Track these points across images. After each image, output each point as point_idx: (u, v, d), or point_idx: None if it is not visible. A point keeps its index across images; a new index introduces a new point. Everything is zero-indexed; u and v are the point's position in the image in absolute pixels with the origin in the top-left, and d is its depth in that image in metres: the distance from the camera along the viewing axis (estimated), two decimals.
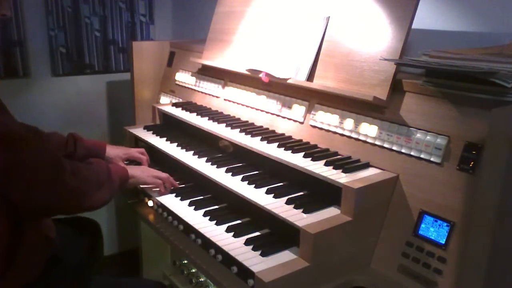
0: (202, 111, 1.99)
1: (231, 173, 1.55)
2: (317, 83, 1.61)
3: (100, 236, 1.77)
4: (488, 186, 1.01)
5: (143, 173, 1.64)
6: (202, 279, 2.09)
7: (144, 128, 2.08)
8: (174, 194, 1.64)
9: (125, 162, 1.85)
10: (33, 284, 1.32)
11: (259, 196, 1.39)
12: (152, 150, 1.91)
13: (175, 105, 2.12)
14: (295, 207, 1.32)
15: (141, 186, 1.69)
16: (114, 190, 1.48)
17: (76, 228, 1.69)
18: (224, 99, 2.05)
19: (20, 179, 1.20)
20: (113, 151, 1.84)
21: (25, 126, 1.63)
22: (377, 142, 1.41)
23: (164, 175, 1.67)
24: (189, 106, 2.08)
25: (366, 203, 1.28)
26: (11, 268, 1.26)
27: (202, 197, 1.61)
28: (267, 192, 1.41)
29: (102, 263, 1.82)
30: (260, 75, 1.76)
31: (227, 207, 1.55)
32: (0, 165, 1.16)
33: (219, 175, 1.55)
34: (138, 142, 2.08)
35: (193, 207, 1.54)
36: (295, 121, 1.70)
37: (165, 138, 1.92)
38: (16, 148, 1.19)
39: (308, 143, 1.60)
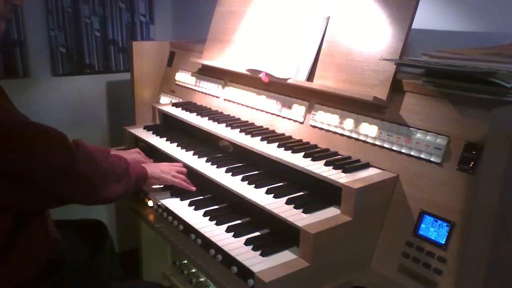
0: (202, 111, 1.99)
1: (231, 173, 1.55)
2: (317, 83, 1.61)
3: (106, 237, 1.77)
4: (488, 186, 1.01)
5: (161, 173, 1.61)
6: (202, 279, 2.09)
7: (144, 128, 2.08)
8: (174, 195, 1.64)
9: None
10: (31, 284, 1.32)
11: (259, 196, 1.39)
12: (152, 150, 1.91)
13: (175, 105, 2.12)
14: (295, 207, 1.32)
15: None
16: (130, 186, 1.47)
17: (82, 230, 1.69)
18: (224, 99, 2.05)
19: (32, 169, 1.19)
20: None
21: None
22: (377, 142, 1.41)
23: (182, 171, 1.66)
24: (189, 106, 2.08)
25: (366, 203, 1.28)
26: (6, 265, 1.25)
27: (202, 197, 1.61)
28: (267, 192, 1.41)
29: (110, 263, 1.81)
30: (260, 75, 1.76)
31: (227, 207, 1.55)
32: (13, 157, 1.15)
33: (219, 175, 1.55)
34: (138, 142, 2.08)
35: (193, 207, 1.54)
36: (295, 121, 1.70)
37: (165, 138, 1.92)
38: (26, 139, 1.18)
39: (308, 143, 1.60)
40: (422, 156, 1.30)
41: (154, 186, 1.67)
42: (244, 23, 1.97)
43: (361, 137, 1.46)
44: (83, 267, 1.57)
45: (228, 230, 1.39)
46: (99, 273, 1.63)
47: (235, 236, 1.36)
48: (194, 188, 1.62)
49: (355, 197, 1.25)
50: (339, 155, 1.50)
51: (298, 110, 1.68)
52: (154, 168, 1.63)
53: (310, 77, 1.64)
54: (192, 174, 1.66)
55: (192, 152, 1.74)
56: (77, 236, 1.66)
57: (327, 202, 1.35)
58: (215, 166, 1.62)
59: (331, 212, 1.31)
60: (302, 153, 1.48)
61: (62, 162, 1.25)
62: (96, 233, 1.73)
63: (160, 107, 2.15)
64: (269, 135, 1.65)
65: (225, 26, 2.07)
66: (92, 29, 2.73)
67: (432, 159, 1.27)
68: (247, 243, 1.31)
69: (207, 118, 1.90)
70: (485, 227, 1.02)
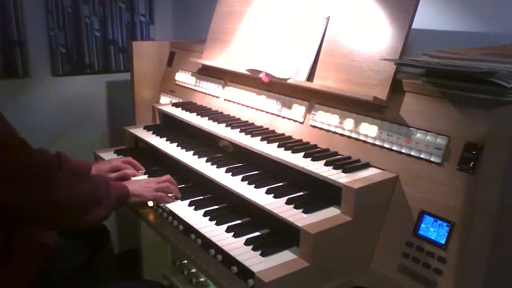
0: (202, 111, 1.99)
1: (231, 173, 1.55)
2: (317, 83, 1.61)
3: (107, 241, 1.76)
4: (488, 186, 1.01)
5: (143, 189, 1.56)
6: (202, 279, 2.09)
7: (144, 128, 2.08)
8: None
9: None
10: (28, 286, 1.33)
11: (259, 196, 1.39)
12: (152, 150, 1.91)
13: (175, 105, 2.12)
14: (295, 207, 1.32)
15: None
16: (112, 207, 1.44)
17: (84, 233, 1.68)
18: (224, 99, 2.05)
19: (11, 189, 1.18)
20: (98, 168, 1.74)
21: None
22: (377, 142, 1.41)
23: (164, 180, 1.61)
24: (189, 106, 2.08)
25: (366, 203, 1.28)
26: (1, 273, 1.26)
27: (202, 197, 1.61)
28: (267, 192, 1.41)
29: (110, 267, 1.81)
30: (260, 75, 1.76)
31: (227, 207, 1.55)
32: None
33: (219, 175, 1.55)
34: (138, 142, 2.08)
35: (193, 207, 1.54)
36: (295, 121, 1.70)
37: (165, 138, 1.92)
38: (8, 157, 1.17)
39: (308, 143, 1.60)
40: (422, 156, 1.30)
41: None
42: (244, 23, 1.97)
43: (361, 137, 1.46)
44: (80, 269, 1.57)
45: (228, 230, 1.39)
46: (95, 275, 1.63)
47: (235, 236, 1.36)
48: (175, 199, 1.59)
49: (355, 197, 1.25)
50: (339, 155, 1.50)
51: (298, 110, 1.68)
52: (135, 185, 1.57)
53: (310, 77, 1.64)
54: (192, 174, 1.66)
55: (192, 152, 1.74)
56: (78, 238, 1.66)
57: (327, 202, 1.35)
58: (215, 166, 1.62)
59: (331, 212, 1.31)
60: (302, 153, 1.48)
61: (41, 186, 1.24)
62: (97, 237, 1.73)
63: (160, 107, 2.15)
64: (269, 135, 1.65)
65: (225, 26, 2.07)
66: (92, 29, 2.73)
67: (432, 159, 1.27)
68: (247, 243, 1.31)
69: (207, 118, 1.90)
70: (485, 227, 1.02)
